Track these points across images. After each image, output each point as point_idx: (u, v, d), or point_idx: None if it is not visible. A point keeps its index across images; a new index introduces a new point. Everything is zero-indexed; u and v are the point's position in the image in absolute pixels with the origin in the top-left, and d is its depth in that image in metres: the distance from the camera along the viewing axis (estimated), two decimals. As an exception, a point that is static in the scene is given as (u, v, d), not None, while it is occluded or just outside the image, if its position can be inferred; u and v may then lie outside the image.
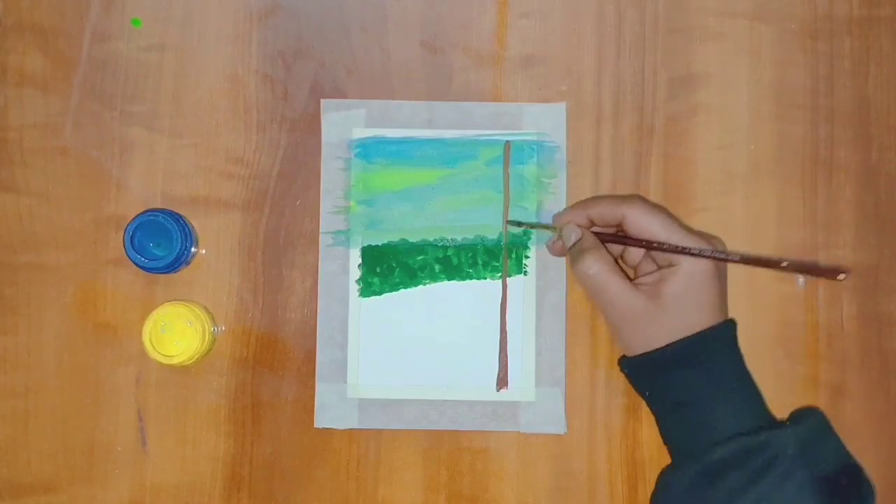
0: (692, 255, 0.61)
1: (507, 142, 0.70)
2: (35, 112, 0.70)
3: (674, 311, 0.61)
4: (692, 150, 0.70)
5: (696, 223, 0.70)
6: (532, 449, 0.69)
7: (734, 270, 0.69)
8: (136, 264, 0.67)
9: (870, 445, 0.69)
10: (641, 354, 0.62)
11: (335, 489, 0.69)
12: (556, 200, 0.70)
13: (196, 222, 0.70)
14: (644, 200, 0.64)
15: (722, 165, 0.70)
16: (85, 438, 0.69)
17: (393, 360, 0.69)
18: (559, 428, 0.68)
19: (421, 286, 0.69)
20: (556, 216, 0.68)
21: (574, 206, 0.66)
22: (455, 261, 0.69)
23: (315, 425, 0.69)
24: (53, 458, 0.69)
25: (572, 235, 0.64)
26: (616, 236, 0.65)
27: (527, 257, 0.69)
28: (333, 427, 0.69)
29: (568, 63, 0.71)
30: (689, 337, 0.61)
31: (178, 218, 0.68)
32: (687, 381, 0.61)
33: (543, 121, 0.70)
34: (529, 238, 0.69)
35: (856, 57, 0.71)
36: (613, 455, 0.69)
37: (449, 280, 0.69)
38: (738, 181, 0.70)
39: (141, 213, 0.68)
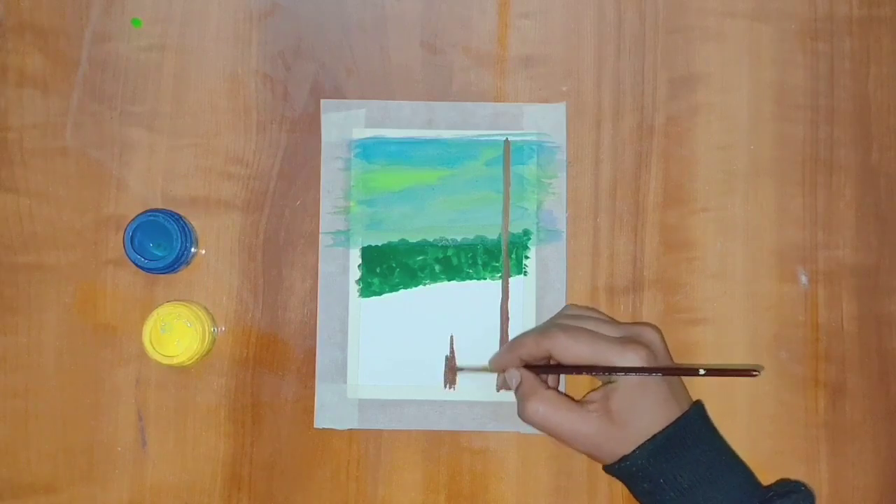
0: (618, 373, 0.60)
1: (507, 139, 0.70)
2: (35, 112, 0.70)
3: (627, 424, 0.60)
4: (692, 150, 0.70)
5: (696, 223, 0.70)
6: (532, 449, 0.69)
7: (732, 267, 0.69)
8: (136, 264, 0.67)
9: (870, 445, 0.69)
10: (614, 464, 0.61)
11: (335, 489, 0.69)
12: (556, 200, 0.70)
13: (196, 222, 0.70)
14: (563, 328, 0.63)
15: (722, 165, 0.70)
16: (85, 438, 0.69)
17: (393, 360, 0.69)
18: (559, 428, 0.68)
19: (421, 286, 0.69)
20: (492, 360, 0.67)
21: (505, 350, 0.66)
22: (455, 261, 0.69)
23: (315, 425, 0.69)
24: (53, 458, 0.69)
25: (513, 381, 0.64)
26: (554, 367, 0.64)
27: (527, 257, 0.69)
28: (333, 427, 0.69)
29: (568, 63, 0.71)
30: (654, 437, 0.60)
31: (178, 218, 0.68)
32: (667, 480, 0.59)
33: (543, 121, 0.70)
34: (529, 238, 0.69)
35: (856, 57, 0.71)
36: (613, 455, 0.69)
37: (449, 280, 0.69)
38: (738, 181, 0.70)
39: (141, 213, 0.68)
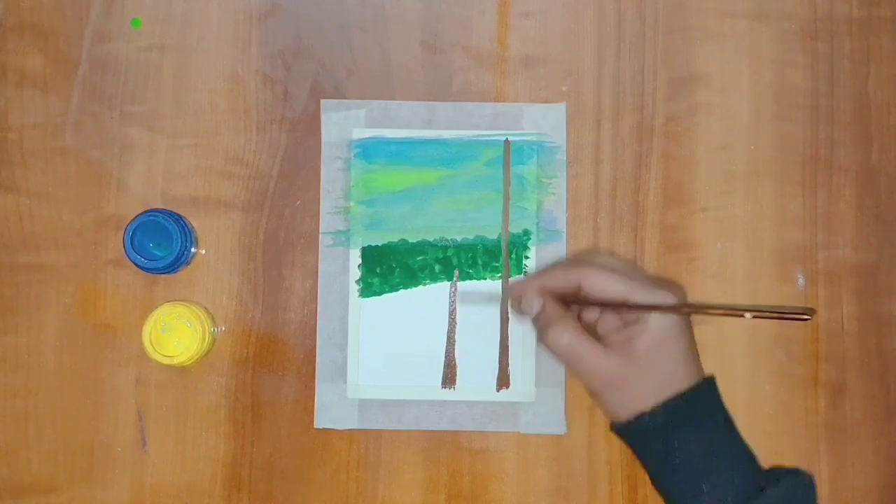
0: (655, 310, 0.59)
1: (507, 139, 0.70)
2: (35, 112, 0.70)
3: (649, 370, 0.59)
4: (692, 150, 0.70)
5: (696, 223, 0.70)
6: (532, 449, 0.69)
7: (732, 267, 0.70)
8: (136, 264, 0.67)
9: (870, 445, 0.69)
10: (630, 420, 0.60)
11: (335, 489, 0.69)
12: (556, 200, 0.70)
13: (196, 222, 0.70)
14: (596, 263, 0.62)
15: (722, 165, 0.70)
16: (85, 438, 0.69)
17: (393, 360, 0.69)
18: (559, 428, 0.68)
19: (421, 286, 0.69)
20: (511, 284, 0.66)
21: (528, 277, 0.65)
22: (455, 261, 0.69)
23: (315, 425, 0.69)
24: (53, 458, 0.69)
25: (534, 306, 0.62)
26: (579, 301, 0.62)
27: (527, 257, 0.69)
28: (333, 427, 0.69)
29: (568, 63, 0.71)
30: (675, 397, 0.59)
31: (178, 218, 0.68)
32: (680, 444, 0.59)
33: (543, 121, 0.70)
34: (529, 238, 0.69)
35: (856, 57, 0.71)
36: (613, 455, 0.69)
37: (449, 280, 0.69)
38: (738, 181, 0.70)
39: (141, 214, 0.68)
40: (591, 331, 0.62)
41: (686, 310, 0.60)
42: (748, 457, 0.61)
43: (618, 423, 0.61)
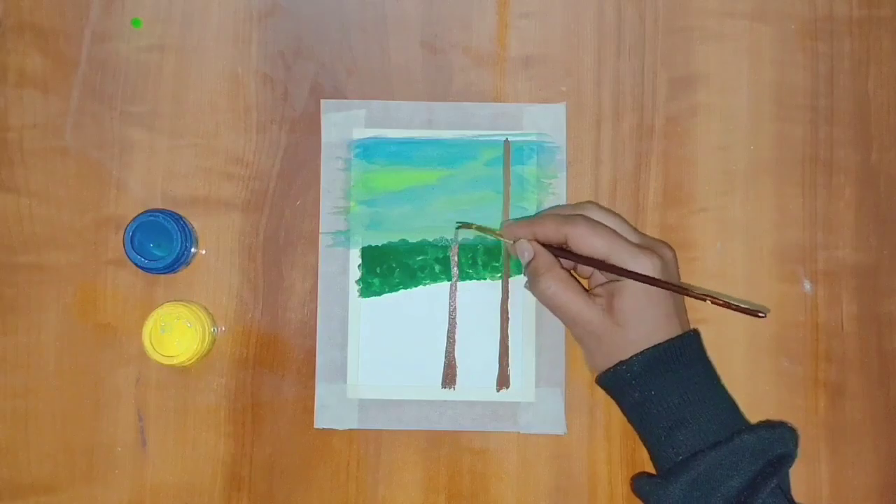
0: (628, 276, 0.61)
1: (507, 139, 0.70)
2: (35, 112, 0.70)
3: (628, 326, 0.61)
4: (692, 150, 0.70)
5: (696, 223, 0.70)
6: (532, 449, 0.69)
7: (732, 267, 0.70)
8: (136, 264, 0.67)
9: (870, 445, 0.69)
10: (610, 369, 0.62)
11: (335, 489, 0.69)
12: (556, 200, 0.70)
13: (196, 222, 0.70)
14: (587, 220, 0.63)
15: (722, 165, 0.70)
16: (85, 438, 0.69)
17: (393, 360, 0.69)
18: (559, 428, 0.68)
19: (421, 286, 0.69)
20: (506, 226, 0.67)
21: (523, 223, 0.66)
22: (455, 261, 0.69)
23: (315, 426, 0.69)
24: (53, 458, 0.69)
25: (525, 253, 0.65)
26: (566, 253, 0.64)
27: (527, 257, 0.69)
28: (333, 427, 0.69)
29: (568, 63, 0.71)
30: (652, 348, 0.61)
31: (178, 218, 0.68)
32: (657, 393, 0.61)
33: (543, 121, 0.70)
34: (529, 238, 0.69)
35: (856, 57, 0.71)
36: (613, 455, 0.69)
37: (449, 280, 0.69)
38: (738, 181, 0.70)
39: (141, 214, 0.68)
40: (584, 282, 0.66)
41: (653, 283, 0.61)
42: (729, 408, 0.62)
43: (599, 374, 0.63)
